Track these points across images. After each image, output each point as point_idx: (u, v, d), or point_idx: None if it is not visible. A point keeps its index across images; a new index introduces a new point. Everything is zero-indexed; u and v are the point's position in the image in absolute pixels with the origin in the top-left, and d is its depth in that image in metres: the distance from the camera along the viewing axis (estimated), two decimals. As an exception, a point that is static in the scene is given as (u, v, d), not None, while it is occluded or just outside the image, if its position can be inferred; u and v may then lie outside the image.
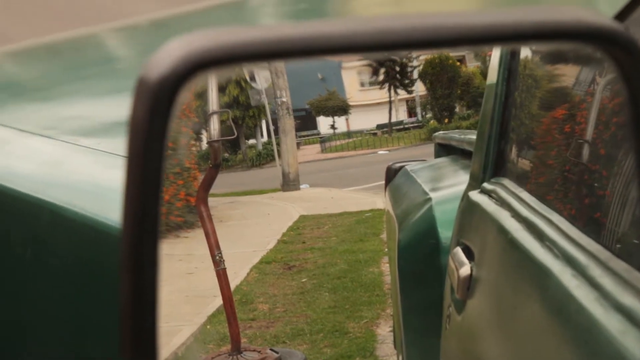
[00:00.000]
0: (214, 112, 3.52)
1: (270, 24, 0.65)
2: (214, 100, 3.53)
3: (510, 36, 0.75)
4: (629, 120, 0.74)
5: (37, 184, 1.79)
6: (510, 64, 2.08)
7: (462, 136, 3.90)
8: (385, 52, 0.73)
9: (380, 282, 6.63)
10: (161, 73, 0.71)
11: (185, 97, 0.73)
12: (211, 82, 3.53)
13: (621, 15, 1.29)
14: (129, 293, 0.74)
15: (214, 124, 3.53)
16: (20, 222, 1.77)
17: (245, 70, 4.37)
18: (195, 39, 0.72)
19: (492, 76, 2.16)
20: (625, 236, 1.06)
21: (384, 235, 7.78)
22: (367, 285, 6.65)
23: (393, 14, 0.75)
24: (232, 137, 4.79)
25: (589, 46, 0.75)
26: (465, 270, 1.76)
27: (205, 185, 3.87)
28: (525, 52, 1.96)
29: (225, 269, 3.63)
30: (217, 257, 3.62)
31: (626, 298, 0.93)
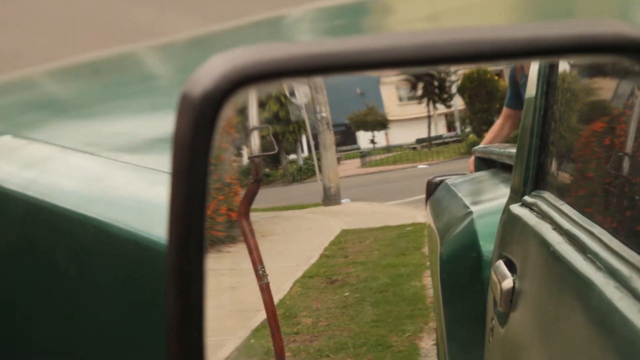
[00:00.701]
0: (254, 128, 3.53)
1: (307, 40, 0.66)
2: (254, 116, 3.54)
3: (551, 50, 0.76)
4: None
5: (80, 200, 1.81)
6: (549, 77, 2.08)
7: (502, 150, 3.90)
8: (425, 67, 0.74)
9: (422, 295, 6.62)
10: (204, 89, 0.72)
11: (228, 113, 0.75)
12: (251, 98, 3.55)
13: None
14: (175, 307, 0.75)
15: (255, 140, 3.54)
16: (64, 238, 1.79)
17: (285, 86, 4.39)
18: (237, 56, 0.73)
19: (531, 90, 2.16)
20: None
21: (425, 249, 7.76)
22: (409, 298, 6.63)
23: (432, 29, 0.75)
24: (273, 152, 4.83)
25: (629, 59, 0.75)
26: (508, 283, 1.76)
27: (247, 200, 3.89)
28: (563, 65, 1.97)
29: (268, 283, 3.63)
30: (261, 272, 3.62)
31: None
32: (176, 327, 0.75)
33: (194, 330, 0.76)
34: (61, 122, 2.30)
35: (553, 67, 2.04)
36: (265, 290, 3.61)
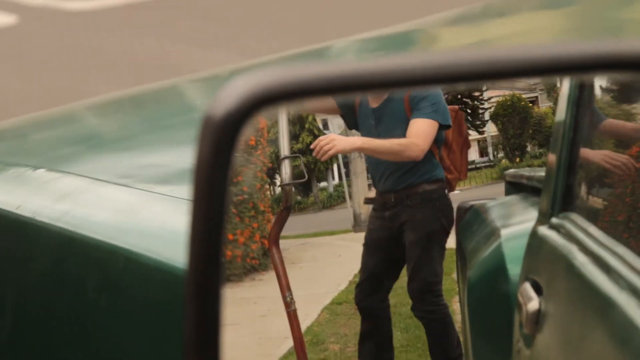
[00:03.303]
0: (285, 157, 3.59)
1: (325, 62, 0.68)
2: (285, 146, 3.59)
3: (587, 66, 0.76)
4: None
5: (112, 231, 1.82)
6: (578, 100, 2.07)
7: (533, 173, 3.88)
8: (447, 85, 0.75)
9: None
10: (226, 110, 0.73)
11: (249, 132, 0.75)
12: (282, 128, 3.59)
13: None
14: (193, 323, 0.75)
15: (286, 169, 3.59)
16: (95, 269, 1.80)
17: (318, 118, 4.40)
18: (257, 78, 0.74)
19: (561, 112, 2.16)
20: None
21: (454, 275, 7.73)
22: (439, 325, 6.61)
23: (455, 50, 0.76)
24: (303, 180, 4.86)
25: None
26: (534, 305, 1.75)
27: (277, 227, 3.89)
28: (594, 87, 1.96)
29: (295, 310, 3.63)
30: (288, 299, 3.63)
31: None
32: (193, 345, 0.76)
33: (211, 347, 0.76)
34: (97, 155, 2.32)
35: (583, 90, 2.04)
36: (292, 317, 3.62)
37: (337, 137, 3.64)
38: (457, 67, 0.74)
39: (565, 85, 2.15)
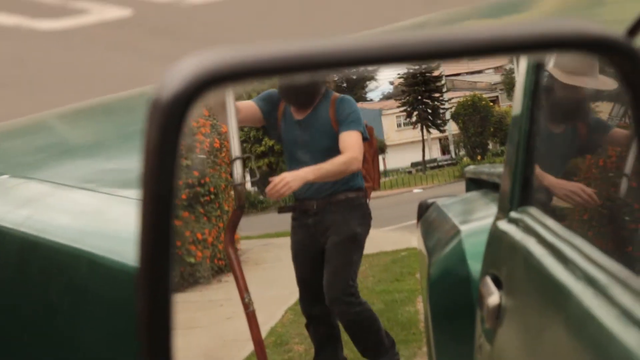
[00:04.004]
0: (236, 158, 3.61)
1: (273, 43, 0.67)
2: (235, 146, 3.62)
3: (517, 46, 0.77)
4: (632, 121, 0.76)
5: (75, 234, 1.81)
6: (534, 93, 2.08)
7: (493, 170, 3.90)
8: (391, 64, 0.75)
9: (416, 320, 6.59)
10: (173, 92, 0.73)
11: (196, 113, 0.75)
12: (232, 129, 3.61)
13: (632, 32, 1.30)
14: (145, 301, 0.75)
15: (237, 169, 3.62)
16: (59, 272, 1.79)
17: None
18: (203, 58, 0.74)
19: (517, 107, 2.16)
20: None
21: (418, 274, 7.76)
22: (403, 324, 6.61)
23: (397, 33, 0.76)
24: (255, 179, 4.90)
25: (591, 55, 0.77)
26: (494, 299, 1.75)
27: (231, 227, 3.90)
28: (549, 82, 1.97)
29: (254, 310, 3.64)
30: (247, 300, 3.64)
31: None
32: (145, 323, 0.75)
33: (162, 328, 0.76)
34: (63, 162, 2.31)
35: (538, 83, 2.05)
36: (251, 318, 3.62)
37: (289, 176, 3.73)
38: (402, 48, 0.74)
39: (520, 80, 2.15)
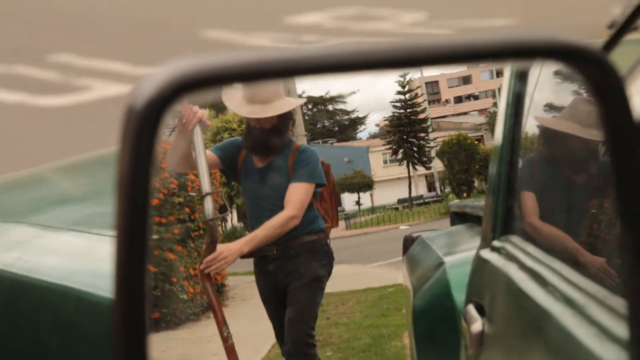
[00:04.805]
0: (207, 194, 3.64)
1: (246, 50, 0.70)
2: (205, 182, 3.65)
3: (491, 53, 0.80)
4: (602, 132, 0.78)
5: (64, 273, 1.84)
6: (514, 128, 2.11)
7: (476, 203, 3.93)
8: (353, 73, 0.77)
9: (403, 355, 6.60)
10: (147, 98, 0.76)
11: (169, 119, 0.78)
12: (201, 166, 3.65)
13: (607, 47, 1.33)
14: (120, 303, 0.76)
15: (208, 204, 3.65)
16: (47, 310, 1.81)
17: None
18: (176, 66, 0.77)
19: (498, 139, 2.19)
20: (621, 273, 1.08)
21: (404, 310, 7.76)
22: (390, 358, 6.62)
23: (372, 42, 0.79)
24: (225, 214, 4.92)
25: (562, 64, 0.79)
26: (477, 326, 1.77)
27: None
28: (529, 120, 2.00)
29: (233, 344, 3.63)
30: (225, 334, 3.63)
31: (623, 330, 0.95)
32: (121, 324, 0.77)
33: (137, 329, 0.77)
34: (54, 207, 2.35)
35: (518, 118, 2.07)
36: (230, 352, 3.62)
37: (225, 250, 3.77)
38: (372, 56, 0.76)
39: (501, 112, 2.18)
